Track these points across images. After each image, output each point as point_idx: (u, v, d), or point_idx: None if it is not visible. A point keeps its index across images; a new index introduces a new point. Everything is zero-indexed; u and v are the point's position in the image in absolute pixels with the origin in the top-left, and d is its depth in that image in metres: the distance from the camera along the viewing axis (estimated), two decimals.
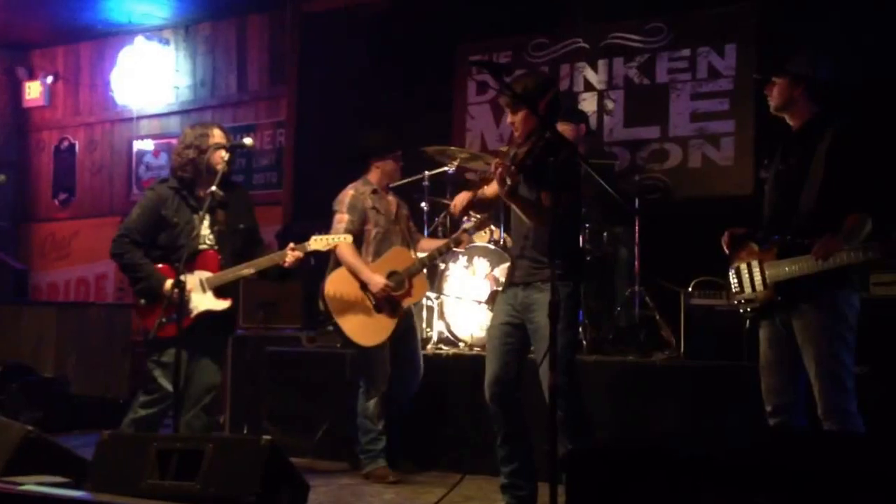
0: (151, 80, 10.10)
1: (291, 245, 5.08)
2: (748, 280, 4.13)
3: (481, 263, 6.32)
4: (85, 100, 10.85)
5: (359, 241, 5.66)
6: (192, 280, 4.96)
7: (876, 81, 6.22)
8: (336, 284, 5.61)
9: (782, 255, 4.02)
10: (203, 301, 4.98)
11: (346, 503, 5.12)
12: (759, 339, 4.17)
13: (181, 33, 10.13)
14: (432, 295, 6.22)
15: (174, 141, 9.92)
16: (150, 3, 9.51)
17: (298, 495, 3.59)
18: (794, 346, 4.00)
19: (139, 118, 10.36)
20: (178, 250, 4.89)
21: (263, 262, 5.07)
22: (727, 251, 4.25)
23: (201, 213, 4.88)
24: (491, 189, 4.56)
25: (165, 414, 5.02)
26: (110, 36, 10.33)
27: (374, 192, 5.74)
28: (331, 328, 5.99)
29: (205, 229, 5.04)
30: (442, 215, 6.58)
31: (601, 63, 7.62)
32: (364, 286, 5.55)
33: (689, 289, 5.59)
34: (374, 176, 5.79)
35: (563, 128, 6.14)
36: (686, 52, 7.27)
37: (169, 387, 4.87)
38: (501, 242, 6.23)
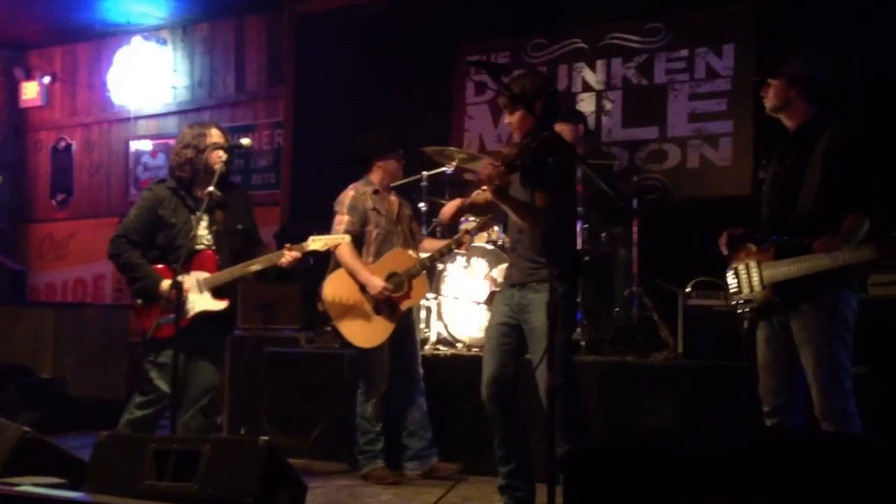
0: (149, 80, 10.09)
1: (288, 245, 5.07)
2: (746, 281, 4.13)
3: (480, 264, 6.31)
4: (82, 100, 10.84)
5: (360, 242, 5.65)
6: (190, 280, 4.95)
7: (874, 81, 6.22)
8: (334, 286, 5.60)
9: (780, 255, 4.02)
10: (200, 301, 4.97)
11: None
12: (756, 339, 4.17)
13: (179, 33, 10.13)
14: (430, 295, 6.21)
15: (172, 141, 9.90)
16: (147, 3, 9.51)
17: (296, 496, 3.58)
18: (791, 347, 4.00)
19: (137, 118, 10.35)
20: (175, 251, 4.88)
21: (260, 262, 5.05)
22: (725, 252, 4.25)
23: (199, 213, 4.87)
24: (485, 194, 4.58)
25: (161, 415, 5.01)
26: (108, 36, 10.32)
27: (376, 192, 5.73)
28: (329, 329, 5.98)
29: (202, 230, 5.03)
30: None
31: (599, 63, 7.62)
32: (363, 288, 5.54)
33: (688, 289, 5.59)
34: (376, 176, 5.78)
35: (562, 128, 6.14)
36: (684, 53, 7.27)
37: (165, 388, 4.86)
38: (500, 243, 6.22)
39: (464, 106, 8.17)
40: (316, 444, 6.25)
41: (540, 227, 4.37)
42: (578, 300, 5.77)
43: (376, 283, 5.49)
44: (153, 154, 10.28)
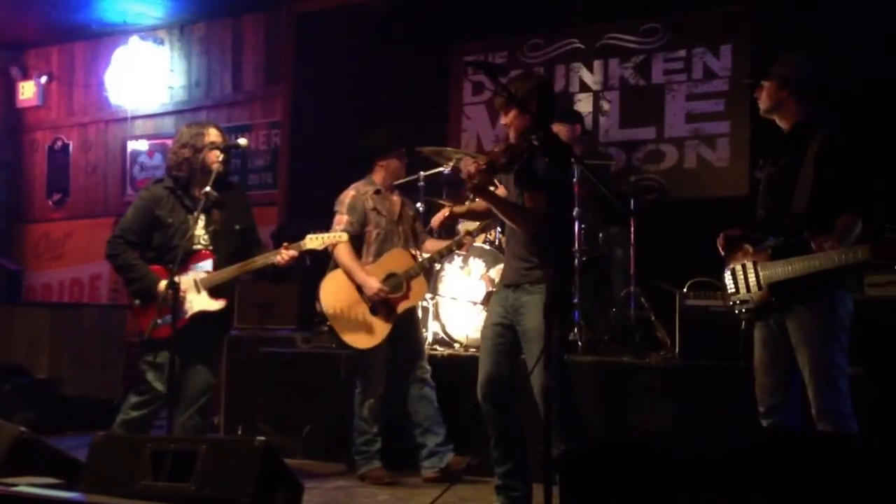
0: (146, 80, 10.08)
1: (285, 244, 5.06)
2: (743, 281, 4.13)
3: (477, 264, 6.31)
4: (79, 100, 10.83)
5: (360, 243, 5.63)
6: (187, 281, 4.94)
7: (872, 82, 6.22)
8: (332, 286, 5.59)
9: (776, 256, 4.02)
10: (198, 301, 4.97)
11: None
12: (753, 339, 4.18)
13: (176, 33, 10.11)
14: (428, 295, 6.20)
15: (169, 141, 9.93)
16: (144, 2, 9.50)
17: (293, 496, 3.58)
18: (788, 347, 4.00)
19: (133, 118, 10.34)
20: (172, 251, 4.87)
21: (257, 261, 5.05)
22: (723, 253, 4.25)
23: (195, 213, 4.87)
24: (480, 203, 4.59)
25: (156, 415, 5.01)
26: (105, 36, 10.31)
27: (378, 192, 5.70)
28: (325, 329, 5.97)
29: (200, 230, 5.02)
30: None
31: (597, 64, 7.62)
32: (360, 288, 5.53)
33: (685, 289, 5.58)
34: (378, 175, 5.76)
35: (559, 128, 6.15)
36: (681, 53, 7.27)
37: (161, 388, 4.85)
38: (497, 243, 6.22)
39: (461, 106, 8.17)
40: (313, 444, 6.25)
41: (530, 228, 4.38)
42: (575, 300, 5.80)
43: (372, 284, 5.48)
44: (150, 154, 10.26)
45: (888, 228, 3.76)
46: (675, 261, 6.08)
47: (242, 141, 5.15)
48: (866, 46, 6.32)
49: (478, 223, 5.70)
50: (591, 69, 7.64)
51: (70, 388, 7.88)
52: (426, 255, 5.68)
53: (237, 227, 5.13)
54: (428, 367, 5.71)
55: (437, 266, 6.23)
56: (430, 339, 6.27)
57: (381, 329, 5.53)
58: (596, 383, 5.48)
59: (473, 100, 8.11)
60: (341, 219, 5.60)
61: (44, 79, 10.92)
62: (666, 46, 7.34)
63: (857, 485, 2.34)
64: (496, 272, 6.20)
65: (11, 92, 11.06)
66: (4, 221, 11.05)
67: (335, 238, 5.25)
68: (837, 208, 3.93)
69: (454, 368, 5.83)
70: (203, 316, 4.98)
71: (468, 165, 4.32)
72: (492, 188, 4.48)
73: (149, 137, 10.27)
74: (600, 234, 6.47)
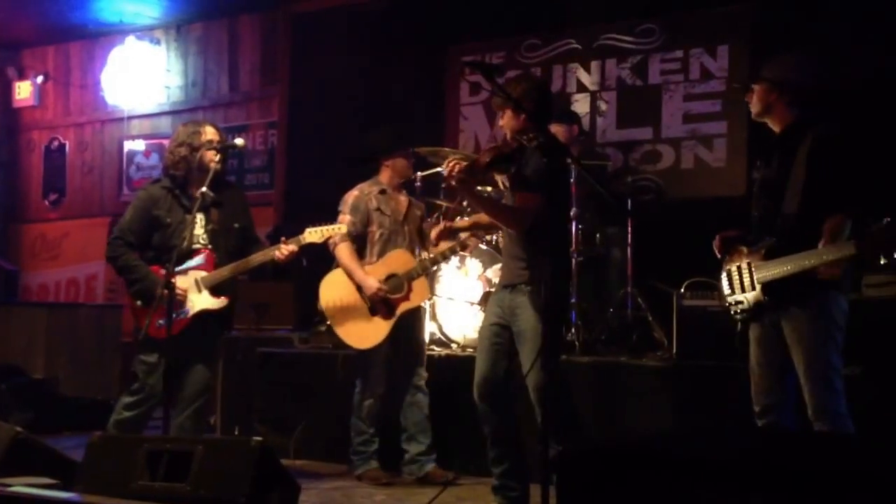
0: (142, 80, 10.07)
1: (284, 239, 5.05)
2: (738, 282, 4.14)
3: (474, 264, 6.30)
4: (75, 100, 10.82)
5: (363, 243, 5.62)
6: (187, 280, 4.94)
7: (869, 82, 6.23)
8: (331, 285, 5.58)
9: (769, 256, 4.03)
10: (199, 301, 4.96)
11: None
12: (749, 339, 4.18)
13: (172, 33, 10.11)
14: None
15: (165, 141, 9.91)
16: (140, 2, 9.49)
17: (289, 496, 3.57)
18: (783, 347, 4.01)
19: (130, 118, 10.33)
20: (171, 251, 4.87)
21: (257, 258, 5.04)
22: (719, 255, 4.26)
23: (192, 213, 4.86)
24: (482, 217, 4.66)
25: (150, 415, 5.00)
26: (101, 36, 10.30)
27: (383, 192, 5.68)
28: (323, 328, 5.96)
29: (198, 229, 5.02)
30: (434, 216, 6.56)
31: (594, 64, 7.62)
32: (360, 288, 5.52)
33: (682, 290, 5.58)
34: (384, 175, 5.73)
35: (556, 129, 6.14)
36: (678, 54, 7.27)
37: (158, 388, 4.85)
38: (494, 243, 6.21)
39: (458, 106, 8.17)
40: (310, 444, 6.24)
41: (518, 227, 4.39)
42: (573, 301, 5.79)
43: (371, 283, 5.47)
44: (146, 154, 10.26)
45: (872, 222, 3.75)
46: (672, 261, 6.08)
47: (239, 141, 5.14)
48: (864, 46, 6.32)
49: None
50: (588, 69, 7.64)
51: (67, 388, 7.87)
52: (429, 256, 5.65)
53: (236, 225, 5.13)
54: (424, 374, 5.69)
55: (434, 266, 6.22)
56: (427, 339, 6.26)
57: (381, 329, 5.51)
58: (593, 383, 5.48)
59: (471, 100, 8.11)
60: (344, 218, 5.59)
61: (40, 79, 10.91)
62: (663, 47, 7.34)
63: (854, 485, 2.34)
64: (493, 272, 6.20)
65: (8, 92, 11.05)
66: (0, 221, 11.04)
67: (335, 230, 5.21)
68: (829, 208, 3.93)
69: (451, 369, 5.82)
70: (205, 315, 4.98)
71: (449, 165, 4.33)
72: (481, 188, 4.49)
73: (145, 137, 10.26)
74: (597, 235, 6.46)
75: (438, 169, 6.38)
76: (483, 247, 6.24)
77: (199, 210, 4.95)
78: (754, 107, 4.21)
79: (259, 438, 3.51)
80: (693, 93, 7.21)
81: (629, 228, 6.41)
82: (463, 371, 5.46)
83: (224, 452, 3.50)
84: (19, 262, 10.79)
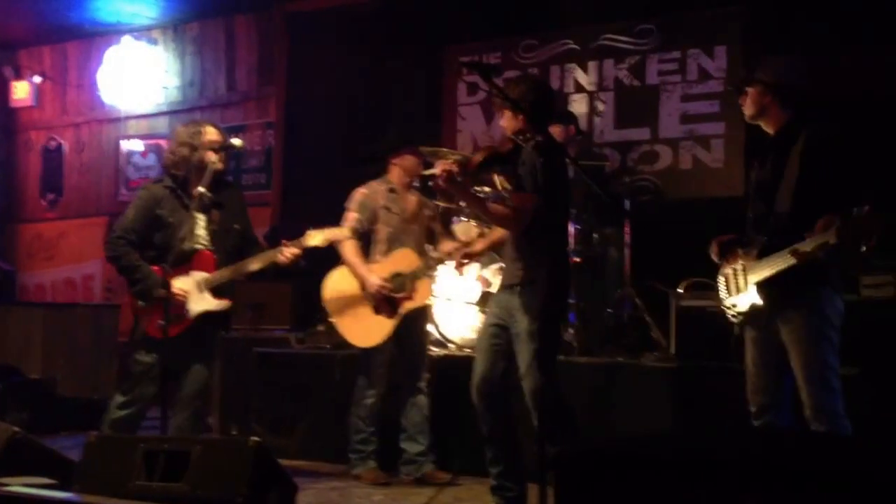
0: (139, 80, 10.07)
1: (285, 242, 5.04)
2: (734, 285, 4.15)
3: (472, 265, 6.28)
4: (72, 100, 10.81)
5: (369, 240, 5.62)
6: (189, 281, 4.93)
7: (867, 82, 6.24)
8: (335, 283, 5.58)
9: (761, 256, 4.04)
10: (201, 302, 4.95)
11: None
12: (745, 339, 4.18)
13: (169, 33, 10.11)
14: None
15: (163, 141, 10.01)
16: (138, 2, 9.48)
17: (287, 496, 3.57)
18: (779, 347, 4.01)
19: (127, 118, 10.32)
20: (173, 251, 4.85)
21: (260, 260, 5.04)
22: (717, 260, 4.26)
23: (190, 212, 4.85)
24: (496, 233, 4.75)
25: (143, 415, 4.99)
26: (98, 35, 10.29)
27: (392, 190, 5.67)
28: (321, 328, 5.95)
29: (200, 229, 5.01)
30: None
31: (591, 64, 7.62)
32: (364, 286, 5.51)
33: (679, 290, 5.58)
34: (394, 174, 5.72)
35: (554, 129, 6.14)
36: (676, 54, 7.28)
37: (149, 388, 4.84)
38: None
39: (456, 106, 8.17)
40: (307, 444, 6.24)
41: (512, 228, 4.40)
42: (571, 301, 5.79)
43: (373, 281, 5.46)
44: (144, 154, 10.25)
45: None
46: (669, 261, 6.08)
47: (237, 141, 5.13)
48: (858, 47, 6.33)
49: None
50: (585, 70, 7.65)
51: (64, 388, 7.85)
52: (435, 256, 5.62)
53: (235, 226, 5.12)
54: (426, 376, 5.69)
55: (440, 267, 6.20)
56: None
57: (383, 328, 5.50)
58: (590, 383, 5.48)
59: (468, 100, 8.11)
60: (350, 215, 5.59)
61: (37, 79, 10.90)
62: (660, 47, 7.35)
63: (852, 485, 2.34)
64: (491, 273, 6.20)
65: (5, 92, 11.04)
66: None
67: (337, 234, 5.20)
68: (821, 207, 3.93)
69: (449, 369, 5.82)
70: (205, 316, 4.97)
71: (440, 168, 4.33)
72: (478, 188, 4.50)
73: (143, 137, 10.26)
74: (595, 235, 6.46)
75: (436, 170, 6.39)
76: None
77: (200, 210, 4.95)
78: (748, 109, 4.22)
79: (256, 438, 3.51)
80: (691, 93, 7.21)
81: (627, 229, 6.42)
82: (461, 371, 5.45)
83: (221, 452, 3.49)
84: (16, 261, 10.78)
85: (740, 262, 4.13)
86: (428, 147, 6.27)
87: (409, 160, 5.68)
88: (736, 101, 4.37)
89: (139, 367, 4.92)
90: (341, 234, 5.25)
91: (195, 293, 4.94)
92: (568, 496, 2.74)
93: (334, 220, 5.53)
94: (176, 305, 4.81)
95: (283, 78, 9.22)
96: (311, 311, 6.93)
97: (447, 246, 5.23)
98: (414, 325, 5.62)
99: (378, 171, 5.81)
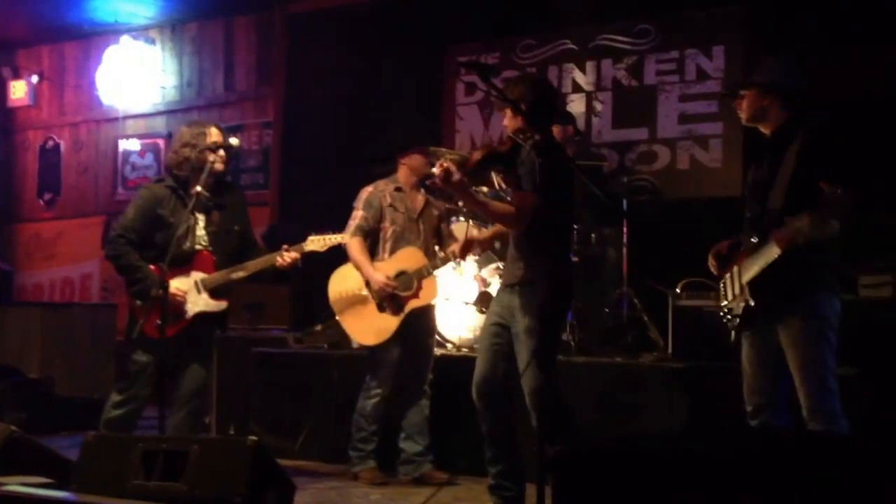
0: (137, 79, 10.06)
1: (285, 246, 5.05)
2: (731, 288, 4.15)
3: (469, 265, 6.29)
4: (70, 100, 10.80)
5: (375, 238, 5.62)
6: (188, 281, 4.93)
7: (864, 82, 6.25)
8: (340, 280, 5.58)
9: (752, 254, 4.04)
10: (199, 302, 4.95)
11: (332, 503, 5.11)
12: (741, 339, 4.18)
13: (167, 33, 10.10)
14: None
15: (160, 141, 10.03)
16: (135, 2, 9.48)
17: (285, 496, 3.56)
18: (776, 348, 4.02)
19: (125, 118, 10.32)
20: (175, 250, 4.86)
21: (260, 262, 5.05)
22: (715, 273, 4.26)
23: (189, 212, 4.85)
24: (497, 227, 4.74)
25: (138, 414, 4.99)
26: (96, 35, 10.29)
27: (399, 189, 5.67)
28: (318, 328, 5.94)
29: (199, 230, 5.01)
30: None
31: (589, 64, 7.63)
32: (369, 283, 5.52)
33: (677, 290, 5.59)
34: (402, 174, 5.73)
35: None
36: (674, 54, 7.29)
37: (144, 387, 4.85)
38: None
39: (454, 107, 8.17)
40: (305, 444, 6.23)
41: (513, 227, 4.40)
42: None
43: (378, 278, 5.46)
44: (141, 154, 10.24)
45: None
46: (667, 261, 6.09)
47: (234, 141, 5.12)
48: (855, 47, 6.33)
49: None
50: (583, 70, 7.65)
51: (62, 387, 7.85)
52: (441, 255, 5.59)
53: (235, 227, 5.12)
54: (429, 377, 5.69)
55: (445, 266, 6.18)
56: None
57: (388, 326, 5.49)
58: (588, 383, 5.48)
59: (466, 100, 8.11)
60: (357, 214, 5.60)
61: (35, 78, 10.90)
62: (658, 47, 7.36)
63: (849, 486, 2.35)
64: (488, 272, 6.20)
65: (2, 92, 11.05)
66: None
67: (336, 240, 5.21)
68: (812, 205, 3.94)
69: (447, 369, 5.82)
70: (203, 316, 4.97)
71: (438, 169, 4.34)
72: (485, 189, 4.50)
73: (140, 137, 10.25)
74: (593, 235, 6.47)
75: (434, 170, 6.38)
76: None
77: (201, 211, 4.95)
78: (745, 112, 4.21)
79: (254, 438, 3.51)
80: (689, 93, 7.22)
81: (625, 229, 6.42)
82: (458, 371, 5.47)
83: (219, 452, 3.49)
84: (14, 261, 10.77)
85: (736, 266, 4.13)
86: (433, 147, 6.28)
87: (416, 160, 5.68)
88: (732, 104, 4.36)
89: (135, 366, 4.91)
90: (340, 240, 5.26)
91: (193, 293, 4.94)
92: (566, 496, 2.74)
93: (332, 219, 5.53)
94: (173, 305, 4.80)
95: (282, 78, 9.22)
96: (310, 311, 6.94)
97: (454, 246, 5.23)
98: (420, 325, 5.61)
99: (386, 171, 5.83)
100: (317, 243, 5.09)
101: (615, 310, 6.35)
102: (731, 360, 4.80)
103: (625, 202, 6.54)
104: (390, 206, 5.62)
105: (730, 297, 4.14)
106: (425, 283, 5.55)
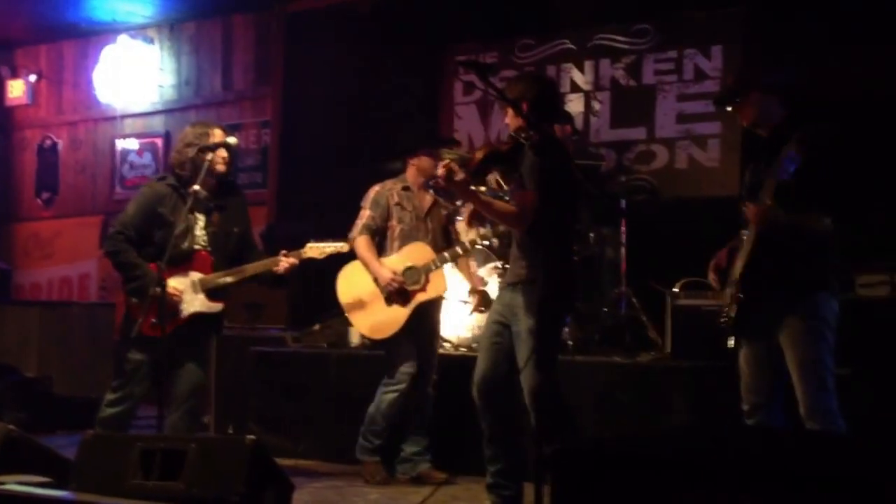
0: (135, 78, 10.05)
1: (284, 252, 5.05)
2: (728, 292, 4.15)
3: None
4: (68, 98, 10.79)
5: (383, 236, 5.63)
6: (185, 281, 4.93)
7: (863, 82, 6.25)
8: (348, 277, 5.59)
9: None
10: (195, 302, 4.95)
11: (331, 503, 5.10)
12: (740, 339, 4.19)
13: (165, 32, 10.09)
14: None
15: (158, 140, 10.03)
16: (133, 1, 9.47)
17: (283, 495, 3.57)
18: (775, 348, 4.02)
19: (123, 117, 10.31)
20: (172, 249, 4.86)
21: (258, 266, 5.06)
22: (718, 288, 4.26)
23: (186, 211, 4.85)
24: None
25: (133, 413, 4.99)
26: (94, 34, 10.27)
27: (406, 188, 5.68)
28: (317, 327, 5.93)
29: (199, 230, 5.01)
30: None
31: (588, 64, 7.63)
32: (377, 280, 5.52)
33: (675, 289, 5.59)
34: (410, 173, 5.73)
35: None
36: (672, 54, 7.29)
37: (138, 386, 4.85)
38: (488, 243, 6.19)
39: (452, 106, 8.17)
40: (304, 443, 6.24)
41: (515, 226, 4.40)
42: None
43: (384, 274, 5.47)
44: (139, 153, 10.23)
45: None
46: (665, 260, 6.09)
47: (232, 140, 5.12)
48: (853, 48, 6.33)
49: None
50: (581, 69, 7.65)
51: (60, 386, 7.85)
52: (447, 255, 5.58)
53: (235, 230, 5.12)
54: (433, 378, 5.69)
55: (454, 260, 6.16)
56: None
57: (396, 320, 5.49)
58: (587, 383, 5.48)
59: (464, 100, 8.11)
60: (364, 213, 5.62)
61: (33, 77, 10.88)
62: (657, 47, 7.36)
63: (849, 485, 2.35)
64: (487, 271, 6.20)
65: (0, 91, 11.01)
66: None
67: (335, 248, 5.23)
68: (802, 203, 3.95)
69: (445, 368, 5.81)
70: (198, 317, 4.97)
71: (441, 170, 4.34)
72: (483, 188, 4.50)
73: (138, 136, 10.24)
74: (591, 234, 6.47)
75: (437, 170, 6.38)
76: (478, 246, 6.23)
77: (201, 211, 4.95)
78: (749, 116, 4.20)
79: (252, 437, 3.51)
80: (687, 93, 7.22)
81: (623, 228, 6.42)
82: (456, 370, 5.48)
83: (218, 451, 3.49)
84: (12, 260, 10.75)
85: (732, 270, 4.15)
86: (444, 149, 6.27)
87: (425, 161, 5.68)
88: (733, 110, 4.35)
89: (129, 364, 4.92)
90: (339, 249, 5.27)
91: (189, 293, 4.94)
92: (564, 495, 2.74)
93: (331, 218, 5.55)
94: (169, 304, 4.80)
95: (280, 77, 9.21)
96: (308, 310, 6.94)
97: (465, 215, 5.22)
98: (426, 322, 5.63)
99: (395, 170, 5.85)
100: (315, 251, 5.11)
101: (613, 309, 6.35)
102: (729, 360, 4.81)
103: (623, 202, 6.54)
104: (398, 204, 5.63)
105: (727, 299, 4.15)
106: (433, 276, 5.56)
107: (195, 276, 4.97)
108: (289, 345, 6.76)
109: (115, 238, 4.97)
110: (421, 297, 5.55)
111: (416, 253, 5.58)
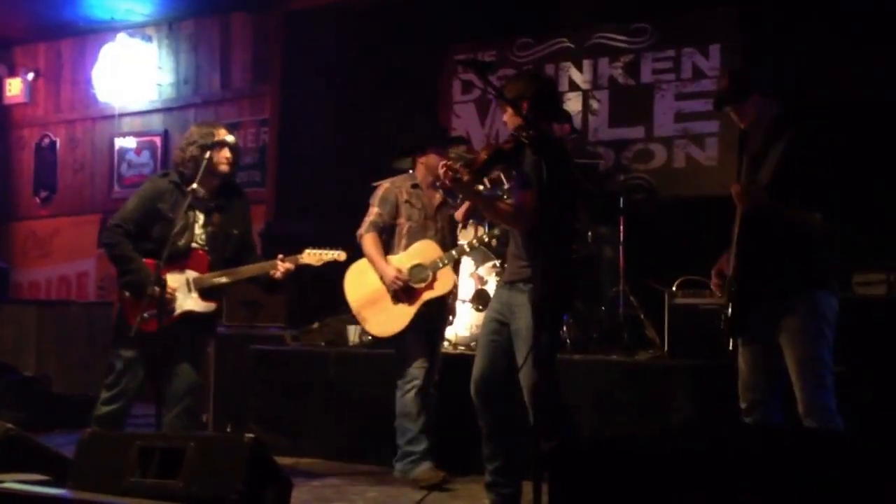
0: (134, 77, 10.04)
1: (281, 256, 5.06)
2: (727, 294, 4.15)
3: (466, 262, 6.29)
4: (66, 97, 10.78)
5: (391, 234, 5.63)
6: (180, 279, 4.93)
7: (861, 82, 6.25)
8: (356, 276, 5.59)
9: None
10: (187, 301, 4.95)
11: (330, 501, 5.10)
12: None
13: (164, 30, 10.08)
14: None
15: (157, 139, 10.02)
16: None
17: (282, 493, 3.56)
18: (773, 346, 4.02)
19: (121, 115, 10.29)
20: (170, 246, 4.86)
21: (254, 269, 5.06)
22: (720, 294, 4.27)
23: (183, 208, 4.85)
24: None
25: (127, 411, 4.99)
26: (92, 32, 10.26)
27: (415, 186, 5.68)
28: (315, 326, 5.92)
29: (198, 228, 5.01)
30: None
31: (586, 63, 7.63)
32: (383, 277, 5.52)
33: (674, 288, 5.59)
34: (419, 172, 5.72)
35: None
36: (670, 53, 7.29)
37: (131, 383, 4.86)
38: (486, 242, 6.20)
39: (451, 104, 8.17)
40: (303, 441, 6.24)
41: (515, 225, 4.40)
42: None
43: (389, 272, 5.46)
44: (137, 151, 10.22)
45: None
46: (664, 259, 6.10)
47: (230, 138, 5.13)
48: (851, 47, 6.34)
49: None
50: (580, 68, 7.65)
51: (58, 385, 7.85)
52: (454, 254, 5.56)
53: (235, 231, 5.12)
54: (436, 377, 5.68)
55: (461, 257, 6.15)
56: None
57: (402, 317, 5.48)
58: (585, 381, 5.49)
59: (463, 98, 8.11)
60: (371, 211, 5.62)
61: (31, 76, 10.86)
62: (655, 46, 7.36)
63: (848, 484, 2.35)
64: (485, 270, 6.21)
65: None
66: None
67: (333, 256, 5.22)
68: (797, 202, 3.96)
69: (444, 367, 5.81)
70: (191, 316, 4.97)
71: (441, 170, 4.34)
72: (479, 187, 4.50)
73: (136, 135, 10.22)
74: (589, 233, 6.47)
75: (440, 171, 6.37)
76: (476, 245, 6.23)
77: (201, 210, 4.96)
78: (748, 117, 4.21)
79: (251, 435, 3.51)
80: (685, 92, 7.22)
81: (621, 227, 6.42)
82: (454, 369, 5.48)
83: (216, 449, 3.49)
84: (10, 259, 10.74)
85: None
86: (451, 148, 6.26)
87: (433, 160, 5.66)
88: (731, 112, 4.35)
89: (119, 362, 4.92)
90: (336, 257, 5.27)
91: (183, 291, 4.94)
92: (562, 493, 2.74)
93: (329, 217, 5.55)
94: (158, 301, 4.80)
95: (278, 75, 9.20)
96: (307, 309, 6.94)
97: (459, 214, 5.22)
98: (432, 321, 5.61)
99: (396, 170, 5.86)
100: (312, 257, 5.12)
101: (612, 308, 6.35)
102: (727, 358, 4.81)
103: (621, 200, 6.54)
104: (406, 202, 5.63)
105: (725, 298, 4.15)
106: (440, 274, 5.54)
107: (190, 274, 4.97)
108: (287, 343, 6.77)
109: (113, 231, 4.98)
110: (428, 295, 5.53)
111: (424, 250, 5.57)
